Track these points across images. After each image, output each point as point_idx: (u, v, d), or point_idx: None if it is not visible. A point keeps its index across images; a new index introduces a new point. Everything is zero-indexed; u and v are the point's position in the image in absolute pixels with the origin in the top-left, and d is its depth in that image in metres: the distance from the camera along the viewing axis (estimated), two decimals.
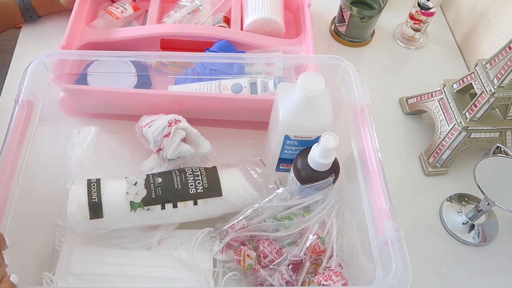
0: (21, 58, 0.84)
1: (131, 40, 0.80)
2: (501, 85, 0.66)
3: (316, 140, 0.59)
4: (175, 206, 0.60)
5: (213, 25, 0.85)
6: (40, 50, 0.64)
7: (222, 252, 0.61)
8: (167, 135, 0.62)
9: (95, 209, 0.59)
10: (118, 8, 0.87)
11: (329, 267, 0.57)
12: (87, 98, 0.72)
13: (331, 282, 0.55)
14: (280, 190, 0.63)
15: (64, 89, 0.69)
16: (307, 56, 0.77)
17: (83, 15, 0.82)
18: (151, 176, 0.62)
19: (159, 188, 0.61)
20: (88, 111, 0.74)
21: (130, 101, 0.71)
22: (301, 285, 0.58)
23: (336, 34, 0.95)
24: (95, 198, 0.59)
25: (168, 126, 0.63)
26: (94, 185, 0.60)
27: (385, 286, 0.49)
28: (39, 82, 0.63)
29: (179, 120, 0.64)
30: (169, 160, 0.64)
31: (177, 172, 0.63)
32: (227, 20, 0.86)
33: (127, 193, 0.60)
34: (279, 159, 0.67)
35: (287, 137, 0.62)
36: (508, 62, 0.63)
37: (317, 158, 0.58)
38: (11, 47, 0.85)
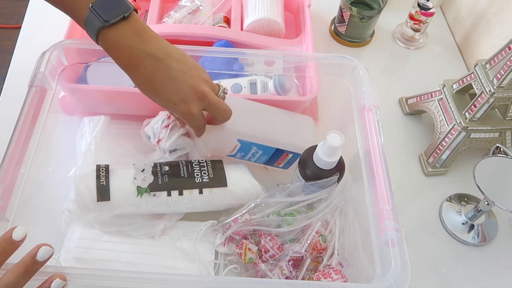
0: (21, 58, 0.84)
1: None
2: (501, 85, 0.66)
3: None
4: (181, 193, 0.61)
5: (213, 25, 0.85)
6: (40, 51, 0.64)
7: (224, 244, 0.62)
8: (166, 126, 0.64)
9: (103, 192, 0.59)
10: None
11: (329, 265, 0.57)
12: (88, 97, 0.72)
13: (330, 280, 0.55)
14: (284, 186, 0.63)
15: (65, 88, 0.69)
16: (317, 55, 0.76)
17: None
18: (158, 164, 0.63)
19: (166, 176, 0.62)
20: (88, 111, 0.74)
21: (130, 101, 0.71)
22: None
23: (336, 35, 0.95)
24: (103, 181, 0.60)
25: (167, 118, 0.64)
26: (103, 169, 0.62)
27: (384, 284, 0.49)
28: (53, 69, 0.64)
29: None
30: (170, 152, 0.65)
31: (184, 162, 0.64)
32: (227, 20, 0.86)
33: (135, 178, 0.61)
34: None
35: None
36: (507, 62, 0.63)
37: (322, 156, 0.58)
38: (11, 47, 0.85)
